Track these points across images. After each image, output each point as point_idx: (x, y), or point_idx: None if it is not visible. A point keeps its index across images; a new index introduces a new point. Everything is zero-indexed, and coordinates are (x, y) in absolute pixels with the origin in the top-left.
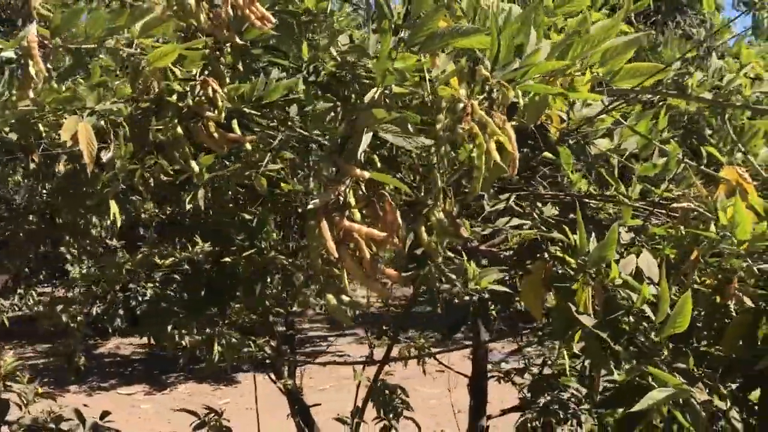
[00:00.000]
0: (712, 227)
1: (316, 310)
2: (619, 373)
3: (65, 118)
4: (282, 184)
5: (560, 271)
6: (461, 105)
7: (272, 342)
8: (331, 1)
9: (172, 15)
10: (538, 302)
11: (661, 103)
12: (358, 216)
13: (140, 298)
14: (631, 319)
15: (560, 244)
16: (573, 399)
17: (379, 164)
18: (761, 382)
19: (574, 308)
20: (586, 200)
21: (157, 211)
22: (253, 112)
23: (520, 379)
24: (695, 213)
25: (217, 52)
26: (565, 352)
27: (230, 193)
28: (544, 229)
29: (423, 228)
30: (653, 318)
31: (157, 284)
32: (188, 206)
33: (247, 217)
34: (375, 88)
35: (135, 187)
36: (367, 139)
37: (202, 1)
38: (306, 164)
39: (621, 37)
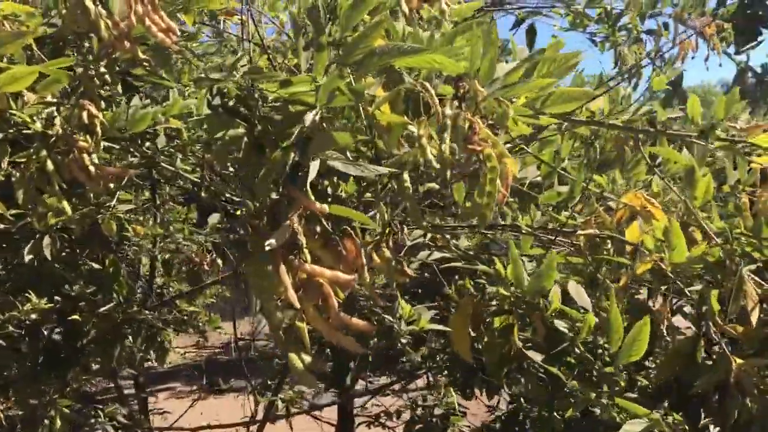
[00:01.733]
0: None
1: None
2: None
3: None
4: (136, 227)
5: (492, 307)
6: (465, 123)
7: (122, 409)
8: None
9: (56, 25)
10: (466, 340)
11: (566, 130)
12: (308, 258)
13: None
14: (576, 350)
15: (482, 276)
16: None
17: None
18: (694, 401)
19: (515, 344)
20: (485, 231)
21: None
22: (110, 144)
23: (393, 421)
24: (598, 240)
25: (90, 72)
26: (452, 390)
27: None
28: (463, 262)
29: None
30: (599, 347)
31: None
32: (27, 258)
33: (95, 266)
34: (314, 110)
35: None
36: (315, 167)
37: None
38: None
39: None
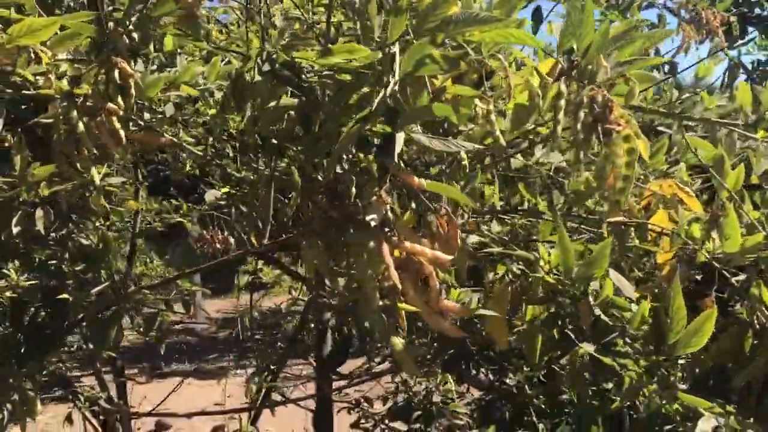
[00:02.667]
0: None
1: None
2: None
3: None
4: (130, 202)
5: (531, 294)
6: (600, 99)
7: (102, 394)
8: None
9: None
10: (504, 328)
11: None
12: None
13: None
14: (626, 340)
15: (518, 262)
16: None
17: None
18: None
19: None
20: (503, 216)
21: None
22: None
23: (378, 407)
24: (624, 227)
25: (120, 28)
26: (449, 377)
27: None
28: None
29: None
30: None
31: None
32: (15, 230)
33: (84, 242)
34: (393, 80)
35: None
36: (401, 139)
37: None
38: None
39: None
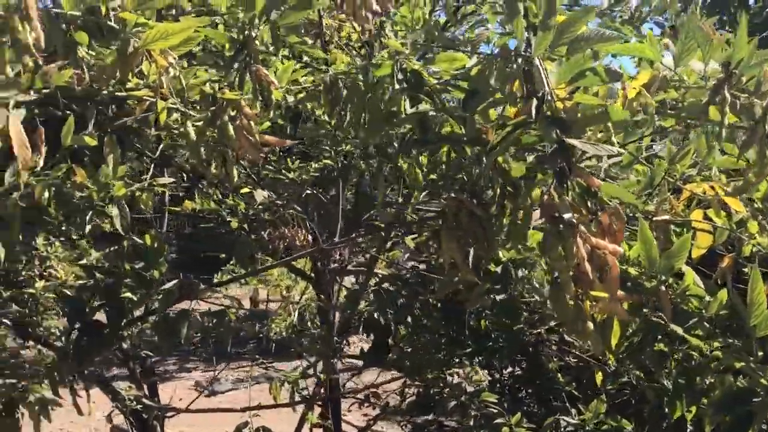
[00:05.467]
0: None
1: None
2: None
3: None
4: (186, 202)
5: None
6: None
7: (137, 392)
8: None
9: None
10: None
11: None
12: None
13: None
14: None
15: None
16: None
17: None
18: None
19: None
20: None
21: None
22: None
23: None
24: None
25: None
26: (479, 369)
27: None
28: None
29: None
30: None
31: None
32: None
33: (138, 241)
34: (546, 90)
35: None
36: (582, 144)
37: None
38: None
39: None
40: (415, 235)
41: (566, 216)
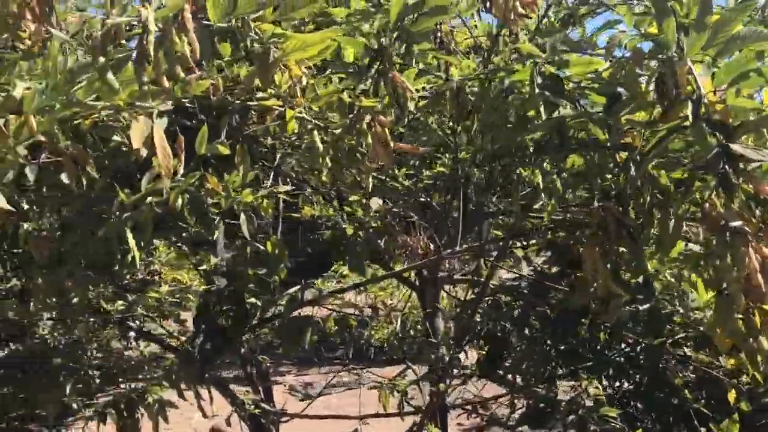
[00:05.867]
0: None
1: None
2: None
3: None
4: (306, 208)
5: None
6: None
7: (254, 396)
8: None
9: None
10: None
11: None
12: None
13: None
14: None
15: None
16: None
17: None
18: None
19: None
20: None
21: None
22: None
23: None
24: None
25: (383, 40)
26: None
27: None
28: None
29: None
30: None
31: None
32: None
33: (260, 247)
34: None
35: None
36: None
37: None
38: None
39: None
40: (527, 245)
41: (735, 224)
